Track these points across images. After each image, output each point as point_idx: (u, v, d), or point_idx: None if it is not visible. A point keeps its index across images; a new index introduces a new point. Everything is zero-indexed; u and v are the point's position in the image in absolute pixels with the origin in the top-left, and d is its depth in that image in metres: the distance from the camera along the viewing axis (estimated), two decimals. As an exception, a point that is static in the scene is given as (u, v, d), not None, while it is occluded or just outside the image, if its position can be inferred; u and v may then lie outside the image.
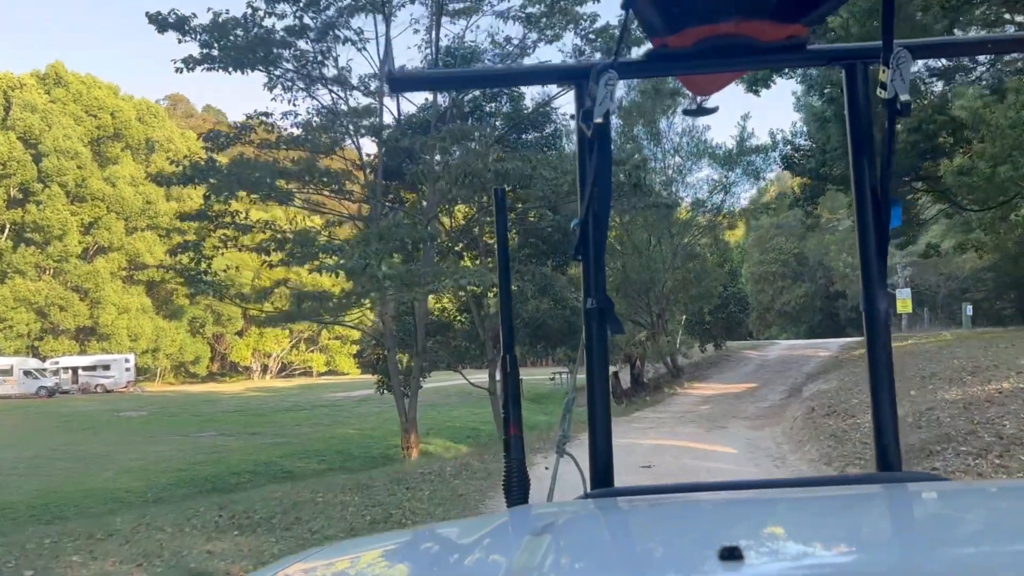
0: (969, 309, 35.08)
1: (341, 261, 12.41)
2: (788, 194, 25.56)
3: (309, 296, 15.18)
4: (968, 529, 1.14)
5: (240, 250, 15.71)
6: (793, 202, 21.84)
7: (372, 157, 17.63)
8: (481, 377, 20.03)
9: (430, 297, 20.90)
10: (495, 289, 19.72)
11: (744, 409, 15.17)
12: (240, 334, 62.56)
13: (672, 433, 12.59)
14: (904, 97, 1.49)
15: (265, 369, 65.50)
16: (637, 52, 1.96)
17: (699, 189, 23.55)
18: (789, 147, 21.19)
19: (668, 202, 19.76)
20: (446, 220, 19.72)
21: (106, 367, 52.45)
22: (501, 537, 1.32)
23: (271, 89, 16.68)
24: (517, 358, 1.77)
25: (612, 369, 25.38)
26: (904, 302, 38.00)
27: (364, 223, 16.50)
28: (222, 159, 15.13)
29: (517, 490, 1.71)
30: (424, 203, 17.07)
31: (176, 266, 15.93)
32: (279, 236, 14.60)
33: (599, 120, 1.55)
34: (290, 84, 16.66)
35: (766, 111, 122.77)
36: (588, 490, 1.66)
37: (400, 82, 2.03)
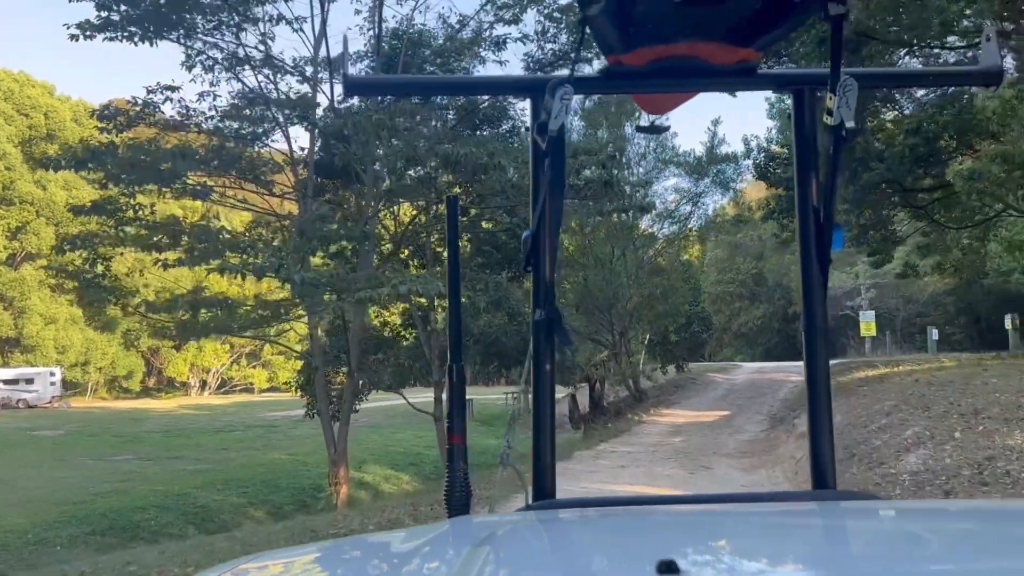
0: (935, 333, 34.05)
1: (251, 260, 10.32)
2: (749, 209, 24.11)
3: (207, 303, 12.96)
4: (897, 547, 1.18)
5: (141, 251, 13.45)
6: (767, 214, 20.29)
7: (305, 151, 15.57)
8: (427, 397, 18.00)
9: (372, 310, 18.85)
10: (444, 302, 17.90)
11: (724, 443, 13.37)
12: (177, 348, 59.24)
13: (650, 475, 10.68)
14: (849, 124, 1.53)
15: (204, 385, 62.16)
16: (591, 69, 2.08)
17: (665, 199, 22.03)
18: (763, 155, 19.75)
19: (642, 204, 17.99)
20: (390, 223, 17.68)
21: (29, 381, 48.86)
22: (440, 548, 1.33)
23: (189, 68, 14.51)
24: (464, 368, 1.80)
25: (568, 391, 23.64)
26: (868, 325, 36.95)
27: (291, 223, 14.41)
28: (122, 140, 12.90)
29: (459, 501, 1.73)
30: (362, 201, 15.03)
31: (68, 267, 13.61)
32: (176, 230, 12.39)
33: (553, 133, 1.58)
34: (211, 64, 14.52)
35: (743, 112, 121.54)
36: (530, 502, 1.68)
37: (356, 86, 2.10)
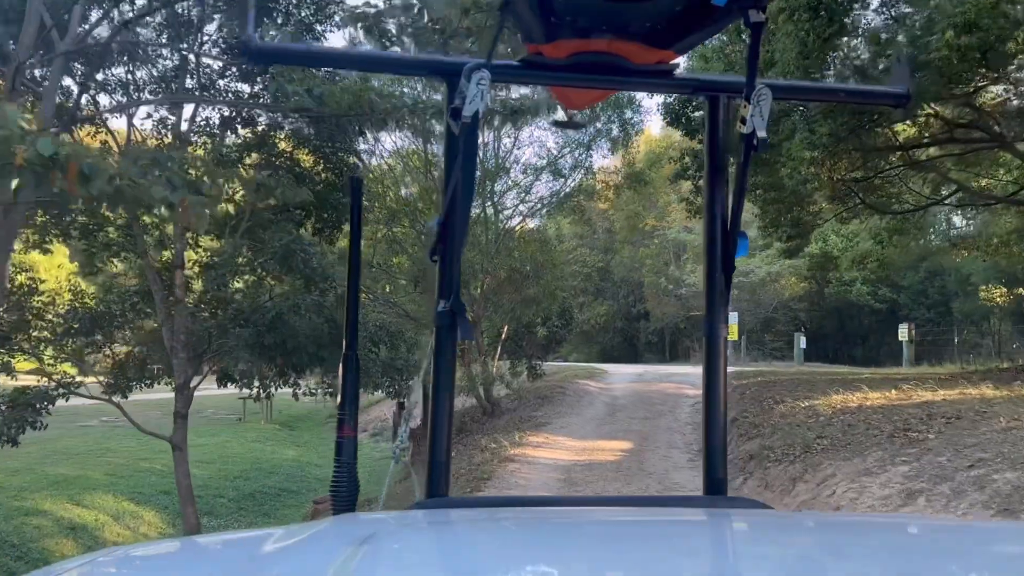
0: (803, 341, 30.92)
1: None
2: (639, 175, 19.00)
3: None
4: (785, 555, 1.19)
5: None
6: (679, 171, 15.08)
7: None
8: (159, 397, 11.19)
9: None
10: (197, 255, 11.53)
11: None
12: None
13: None
14: (761, 134, 1.54)
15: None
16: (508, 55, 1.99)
17: (544, 147, 16.50)
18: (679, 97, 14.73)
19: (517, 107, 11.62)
20: None
21: None
22: (320, 545, 1.25)
23: None
24: (358, 357, 1.81)
25: (398, 400, 17.57)
26: (729, 327, 33.38)
27: None
28: None
29: (345, 496, 1.72)
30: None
31: None
32: None
33: (467, 119, 1.53)
34: None
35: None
36: (421, 499, 1.68)
37: (261, 54, 1.86)
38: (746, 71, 1.57)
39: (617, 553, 1.15)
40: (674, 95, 13.79)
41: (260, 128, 11.59)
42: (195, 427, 16.77)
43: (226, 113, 11.44)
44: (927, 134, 14.98)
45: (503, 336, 17.19)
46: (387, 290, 14.68)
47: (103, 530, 14.60)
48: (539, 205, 16.40)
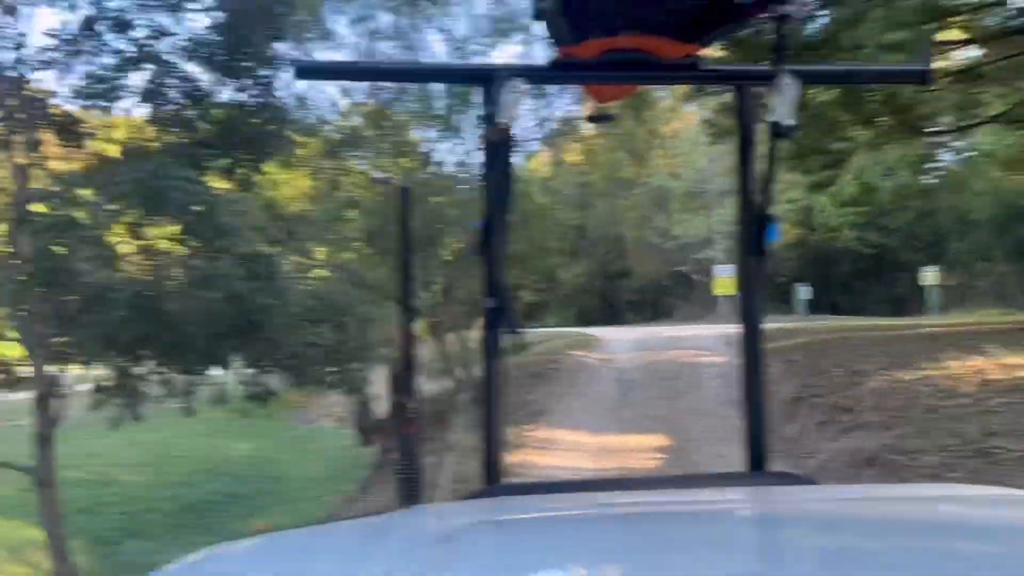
0: (805, 292, 28.31)
1: None
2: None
3: None
4: (839, 529, 1.22)
5: None
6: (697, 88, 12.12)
7: None
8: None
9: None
10: None
11: None
12: None
13: None
14: (788, 121, 1.57)
15: None
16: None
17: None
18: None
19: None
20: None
21: None
22: (407, 539, 1.30)
23: None
24: (414, 356, 2.12)
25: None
26: (724, 281, 30.58)
27: None
28: None
29: (411, 489, 1.86)
30: None
31: None
32: None
33: (503, 125, 1.57)
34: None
35: None
36: (483, 486, 1.73)
37: (305, 71, 2.13)
38: (773, 60, 1.59)
39: (678, 537, 1.20)
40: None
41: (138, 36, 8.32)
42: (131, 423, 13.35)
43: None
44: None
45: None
46: (329, 255, 11.54)
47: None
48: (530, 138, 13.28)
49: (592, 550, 1.14)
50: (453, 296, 13.68)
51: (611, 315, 46.01)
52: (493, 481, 1.72)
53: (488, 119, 1.57)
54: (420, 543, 1.22)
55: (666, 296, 44.34)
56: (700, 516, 1.39)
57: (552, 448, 8.80)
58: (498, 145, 1.63)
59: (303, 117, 10.43)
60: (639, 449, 8.64)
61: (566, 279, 48.27)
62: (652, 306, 43.83)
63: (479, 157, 1.82)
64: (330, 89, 11.23)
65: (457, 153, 13.22)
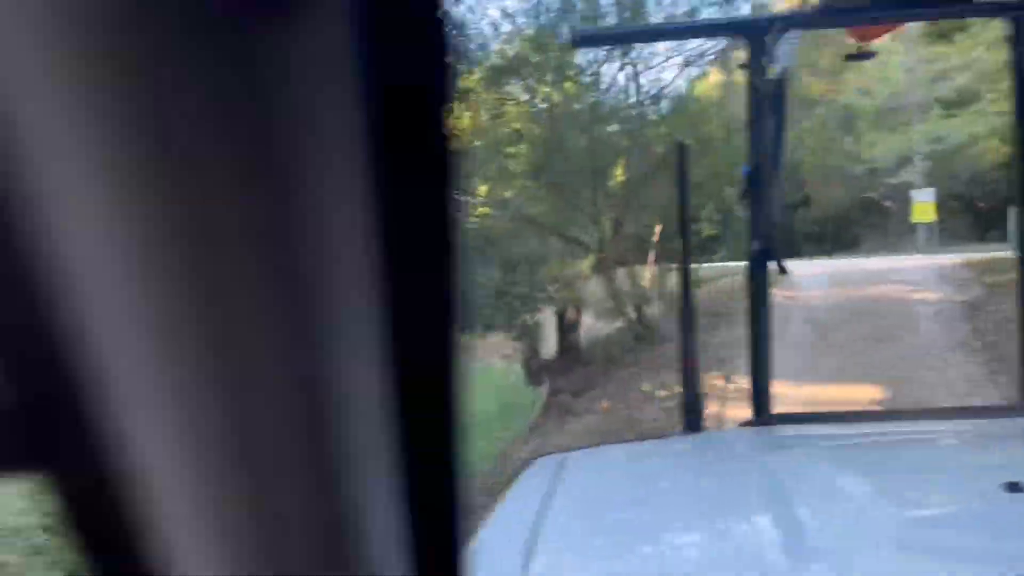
0: (1016, 218, 24.83)
1: None
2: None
3: None
4: None
5: None
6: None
7: None
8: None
9: None
10: None
11: None
12: None
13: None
14: None
15: None
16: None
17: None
18: None
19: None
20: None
21: None
22: (723, 454, 1.52)
23: None
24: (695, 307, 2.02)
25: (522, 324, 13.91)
26: (924, 207, 27.34)
27: None
28: None
29: (693, 418, 1.94)
30: None
31: None
32: None
33: (775, 74, 1.67)
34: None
35: None
36: (755, 417, 1.94)
37: (585, 39, 2.82)
38: None
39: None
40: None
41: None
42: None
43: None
44: None
45: (656, 238, 13.32)
46: (495, 191, 11.02)
47: None
48: (696, 56, 12.05)
49: (880, 470, 1.24)
50: (623, 231, 12.86)
51: (786, 248, 43.29)
52: (763, 412, 1.89)
53: (760, 71, 1.61)
54: (740, 459, 1.35)
55: (854, 225, 40.99)
56: (971, 444, 1.48)
57: (746, 401, 7.90)
58: (770, 95, 1.68)
59: (462, 45, 9.88)
60: (856, 403, 7.61)
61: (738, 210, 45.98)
62: (838, 237, 40.77)
63: (747, 106, 1.77)
64: (492, 12, 10.60)
65: (626, 75, 12.22)
